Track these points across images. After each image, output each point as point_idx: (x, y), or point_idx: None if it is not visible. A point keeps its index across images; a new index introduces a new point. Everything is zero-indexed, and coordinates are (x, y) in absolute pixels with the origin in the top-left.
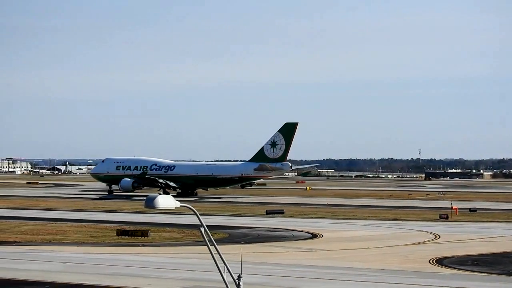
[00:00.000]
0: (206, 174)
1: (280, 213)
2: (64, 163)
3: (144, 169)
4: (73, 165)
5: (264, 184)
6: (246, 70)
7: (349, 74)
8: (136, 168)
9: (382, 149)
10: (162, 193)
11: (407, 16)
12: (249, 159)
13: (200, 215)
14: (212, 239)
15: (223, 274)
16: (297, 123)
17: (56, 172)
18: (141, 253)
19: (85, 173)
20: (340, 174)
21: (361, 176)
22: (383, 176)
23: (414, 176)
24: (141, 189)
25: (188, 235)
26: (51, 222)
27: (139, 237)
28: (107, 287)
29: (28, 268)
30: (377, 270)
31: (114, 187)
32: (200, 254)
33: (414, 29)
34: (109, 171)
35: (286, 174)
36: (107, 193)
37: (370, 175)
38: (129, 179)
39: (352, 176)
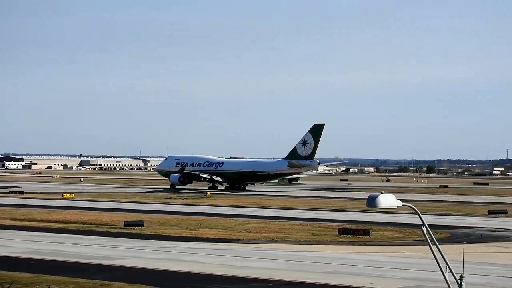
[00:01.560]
0: (248, 170)
1: (503, 213)
2: None
3: (198, 166)
4: None
5: (297, 179)
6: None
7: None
8: (192, 164)
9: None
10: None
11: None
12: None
13: (421, 214)
14: (434, 238)
15: (445, 274)
16: (324, 124)
17: None
18: (363, 252)
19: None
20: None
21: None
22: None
23: None
24: (190, 183)
25: (409, 234)
26: (274, 220)
27: (361, 236)
28: (329, 286)
29: (251, 265)
30: None
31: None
32: (422, 254)
33: None
34: (170, 167)
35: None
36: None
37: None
38: (176, 174)
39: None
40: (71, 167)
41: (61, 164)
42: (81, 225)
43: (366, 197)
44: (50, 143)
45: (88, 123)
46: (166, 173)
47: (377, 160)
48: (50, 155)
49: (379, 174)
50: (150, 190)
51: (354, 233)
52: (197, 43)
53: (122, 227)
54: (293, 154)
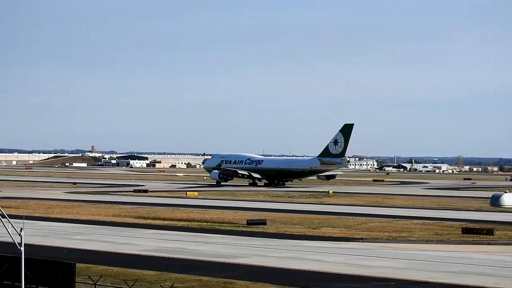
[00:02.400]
0: (284, 167)
1: None
2: (410, 161)
3: (240, 163)
4: (418, 162)
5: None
6: None
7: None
8: (235, 162)
9: None
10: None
11: None
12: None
13: None
14: None
15: None
16: (353, 124)
17: (402, 169)
18: (486, 252)
19: (430, 171)
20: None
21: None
22: None
23: None
24: (231, 179)
25: None
26: (397, 219)
27: (484, 236)
28: (453, 285)
29: (374, 264)
30: None
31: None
32: None
33: None
34: (215, 164)
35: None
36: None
37: None
38: (216, 171)
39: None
40: (195, 166)
41: (184, 163)
42: (205, 223)
43: (490, 196)
44: (175, 142)
45: (212, 122)
46: (212, 170)
47: (501, 159)
48: (174, 154)
49: (503, 173)
50: (193, 186)
51: (477, 232)
52: None
53: (245, 225)
54: (326, 152)
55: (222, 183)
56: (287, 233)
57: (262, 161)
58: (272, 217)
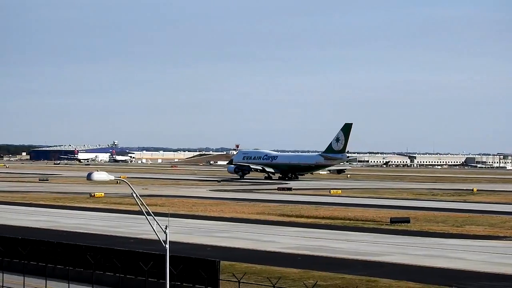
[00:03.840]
0: (294, 162)
1: None
2: None
3: (259, 159)
4: None
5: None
6: None
7: None
8: (255, 158)
9: None
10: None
11: None
12: (323, 150)
13: None
14: None
15: None
16: (352, 123)
17: None
18: None
19: None
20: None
21: None
22: None
23: None
24: (248, 173)
25: None
26: None
27: None
28: None
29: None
30: None
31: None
32: None
33: None
34: (239, 160)
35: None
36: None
37: None
38: (232, 166)
39: None
40: None
41: None
42: (348, 221)
43: None
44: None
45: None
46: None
47: None
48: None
49: None
50: (218, 179)
51: None
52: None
53: (388, 223)
54: (329, 149)
55: (240, 177)
56: (431, 231)
57: (277, 156)
58: (415, 215)
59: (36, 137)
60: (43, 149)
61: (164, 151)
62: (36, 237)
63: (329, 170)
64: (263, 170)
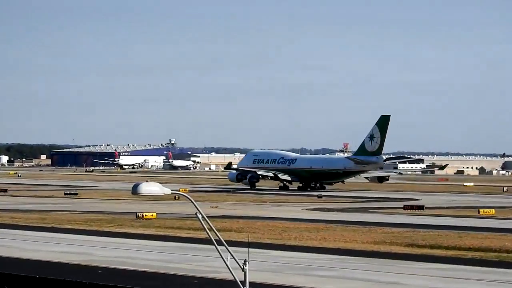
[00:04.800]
0: (317, 167)
1: None
2: None
3: (273, 163)
4: None
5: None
6: None
7: None
8: (268, 161)
9: None
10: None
11: None
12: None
13: None
14: None
15: None
16: (390, 115)
17: None
18: None
19: None
20: None
21: None
22: None
23: None
24: (256, 181)
25: None
26: None
27: None
28: None
29: None
30: None
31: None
32: None
33: None
34: (248, 164)
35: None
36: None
37: None
38: (234, 172)
39: None
40: (490, 171)
41: (476, 167)
42: (505, 254)
43: None
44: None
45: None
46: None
47: None
48: (462, 155)
49: None
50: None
51: None
52: None
53: None
54: (361, 150)
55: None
56: None
57: (296, 159)
58: None
59: (60, 134)
60: (70, 150)
61: (241, 153)
62: (60, 276)
63: (367, 178)
64: (275, 177)
